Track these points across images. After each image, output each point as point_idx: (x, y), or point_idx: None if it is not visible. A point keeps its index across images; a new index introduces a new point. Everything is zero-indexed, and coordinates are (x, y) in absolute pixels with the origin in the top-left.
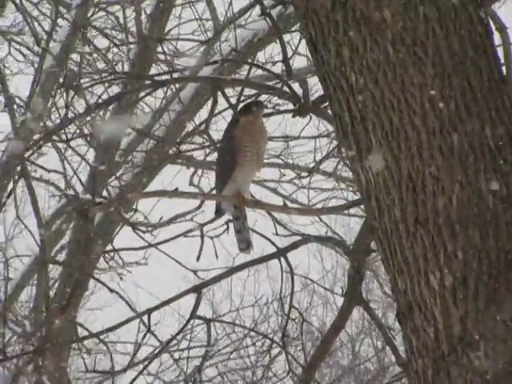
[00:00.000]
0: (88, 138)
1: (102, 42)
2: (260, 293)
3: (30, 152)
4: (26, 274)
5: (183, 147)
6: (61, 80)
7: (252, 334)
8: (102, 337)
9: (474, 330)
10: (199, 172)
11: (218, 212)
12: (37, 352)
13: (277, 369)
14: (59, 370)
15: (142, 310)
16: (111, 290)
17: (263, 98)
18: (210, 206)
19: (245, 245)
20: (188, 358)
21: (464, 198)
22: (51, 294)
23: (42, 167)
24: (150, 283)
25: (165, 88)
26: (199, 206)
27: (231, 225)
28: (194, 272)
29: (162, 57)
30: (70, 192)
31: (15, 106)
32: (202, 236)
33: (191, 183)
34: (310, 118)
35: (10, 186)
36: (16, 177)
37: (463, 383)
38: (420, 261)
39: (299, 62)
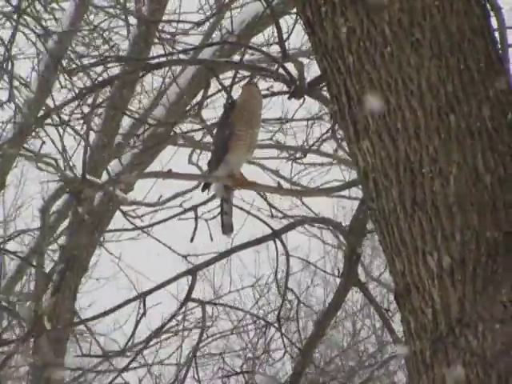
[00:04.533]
0: (84, 120)
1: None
2: (260, 274)
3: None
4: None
5: (180, 129)
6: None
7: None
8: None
9: (472, 312)
10: (198, 151)
11: (205, 187)
12: (29, 334)
13: (277, 349)
14: (55, 353)
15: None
16: None
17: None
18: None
19: (229, 228)
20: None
21: (461, 179)
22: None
23: (31, 152)
24: (148, 266)
25: (165, 71)
26: (197, 186)
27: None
28: (185, 257)
29: (159, 38)
30: (68, 174)
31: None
32: (196, 218)
33: (190, 162)
34: (304, 99)
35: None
36: None
37: (461, 364)
38: (418, 242)
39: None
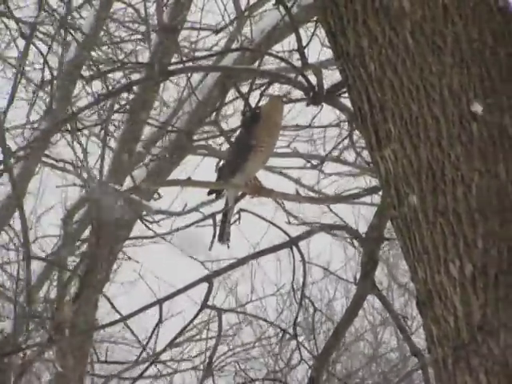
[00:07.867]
0: (102, 128)
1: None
2: (282, 283)
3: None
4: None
5: (198, 137)
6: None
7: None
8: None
9: (494, 319)
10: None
11: (212, 192)
12: (50, 340)
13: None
14: (76, 359)
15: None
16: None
17: (277, 87)
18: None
19: (228, 236)
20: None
21: (483, 187)
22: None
23: (51, 158)
24: (169, 272)
25: (184, 80)
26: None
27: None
28: (202, 263)
29: (182, 46)
30: (90, 181)
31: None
32: (215, 225)
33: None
34: (321, 107)
35: None
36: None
37: (483, 372)
38: (440, 249)
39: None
